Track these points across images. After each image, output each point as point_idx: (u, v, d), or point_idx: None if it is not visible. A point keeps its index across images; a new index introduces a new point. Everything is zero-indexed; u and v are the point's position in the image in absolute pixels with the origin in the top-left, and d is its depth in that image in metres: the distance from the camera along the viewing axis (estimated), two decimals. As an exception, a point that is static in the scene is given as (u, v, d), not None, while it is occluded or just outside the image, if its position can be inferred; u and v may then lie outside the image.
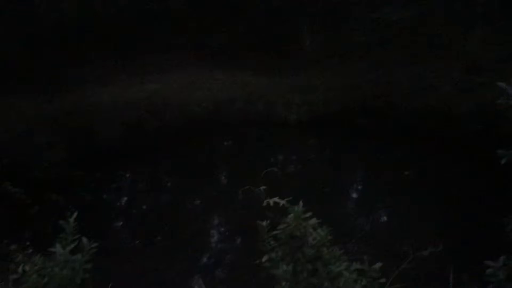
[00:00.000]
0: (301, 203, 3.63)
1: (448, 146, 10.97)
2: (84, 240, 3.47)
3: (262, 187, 3.77)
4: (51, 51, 13.07)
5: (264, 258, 3.57)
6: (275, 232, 3.58)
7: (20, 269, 3.31)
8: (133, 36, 14.87)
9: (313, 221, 3.57)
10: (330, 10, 15.36)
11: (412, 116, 12.55)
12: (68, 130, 11.38)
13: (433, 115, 12.25)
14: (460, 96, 12.10)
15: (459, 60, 12.91)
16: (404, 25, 13.95)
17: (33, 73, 12.26)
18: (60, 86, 12.55)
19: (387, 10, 13.88)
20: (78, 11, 13.60)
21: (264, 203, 3.82)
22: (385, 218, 9.38)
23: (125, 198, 10.61)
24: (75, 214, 3.48)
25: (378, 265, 3.54)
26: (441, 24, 13.66)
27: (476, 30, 13.16)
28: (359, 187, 11.34)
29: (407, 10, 13.71)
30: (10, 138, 10.26)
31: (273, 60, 15.39)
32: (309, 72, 14.78)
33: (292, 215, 3.50)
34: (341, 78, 14.28)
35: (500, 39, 12.83)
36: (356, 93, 13.73)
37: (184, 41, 15.77)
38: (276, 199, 3.82)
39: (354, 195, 10.85)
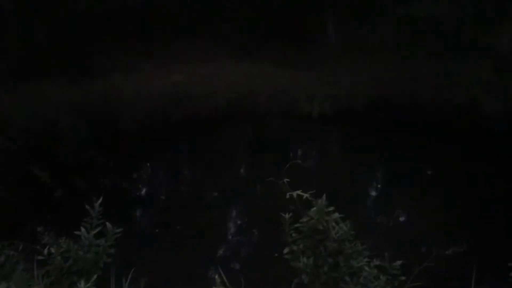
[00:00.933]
0: (324, 196, 3.61)
1: (473, 146, 10.81)
2: (108, 225, 3.52)
3: (286, 179, 3.74)
4: (80, 39, 13.23)
5: (285, 250, 3.57)
6: (297, 225, 3.57)
7: (45, 251, 3.37)
8: (159, 25, 14.94)
9: (336, 215, 3.56)
10: (357, 3, 15.19)
11: (437, 113, 12.41)
12: (94, 117, 11.52)
13: (459, 113, 12.09)
14: (487, 95, 11.89)
15: (488, 59, 12.67)
16: (433, 21, 13.73)
17: (62, 60, 12.42)
18: (87, 73, 12.69)
19: (415, 6, 13.66)
20: (106, 4, 13.70)
21: (287, 196, 3.80)
22: (407, 216, 9.30)
23: (147, 186, 10.72)
24: (100, 199, 3.53)
25: (398, 262, 3.52)
26: (470, 22, 13.41)
27: (505, 29, 12.88)
28: (382, 184, 11.25)
29: (436, 7, 13.50)
30: (37, 122, 10.42)
31: (298, 53, 15.31)
32: (333, 65, 14.67)
33: (315, 208, 3.49)
34: (366, 73, 14.14)
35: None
36: (380, 88, 13.60)
37: (209, 32, 15.79)
38: (299, 192, 3.79)
39: (376, 192, 10.78)
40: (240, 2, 15.97)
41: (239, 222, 9.05)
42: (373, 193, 10.63)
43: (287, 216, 3.54)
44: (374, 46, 14.68)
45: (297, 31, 15.73)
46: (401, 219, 9.16)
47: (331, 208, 3.53)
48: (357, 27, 15.30)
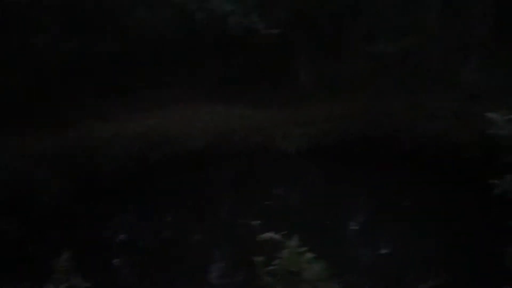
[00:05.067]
0: (296, 237, 3.61)
1: (448, 176, 10.95)
2: (77, 279, 3.43)
3: (257, 221, 3.74)
4: (52, 88, 13.21)
5: (260, 294, 3.52)
6: (271, 268, 3.54)
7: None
8: (132, 72, 15.02)
9: (309, 255, 3.54)
10: (326, 43, 15.55)
11: (412, 146, 12.57)
12: (68, 165, 11.39)
13: (433, 144, 12.26)
14: (459, 125, 12.13)
15: (458, 90, 12.99)
16: (401, 56, 14.09)
17: (35, 110, 12.35)
18: (61, 122, 12.62)
19: (383, 42, 14.04)
20: (79, 51, 13.76)
21: (260, 238, 3.78)
22: (385, 250, 9.29)
23: (124, 234, 10.54)
24: (67, 254, 3.46)
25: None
26: (438, 55, 13.80)
27: (473, 60, 13.28)
28: (359, 219, 11.28)
29: (403, 42, 13.89)
30: (11, 174, 10.26)
31: (271, 93, 15.51)
32: (306, 103, 14.88)
33: (287, 250, 3.47)
34: (339, 109, 14.35)
35: (497, 68, 12.93)
36: (354, 124, 13.78)
37: (183, 75, 15.93)
38: (271, 233, 3.79)
39: (354, 227, 10.78)
40: (212, 44, 16.20)
41: (215, 266, 8.92)
42: (352, 229, 10.64)
43: (260, 259, 3.52)
44: (345, 83, 14.96)
45: (269, 71, 15.96)
46: (380, 253, 9.15)
47: (304, 249, 3.52)
48: (328, 65, 15.60)
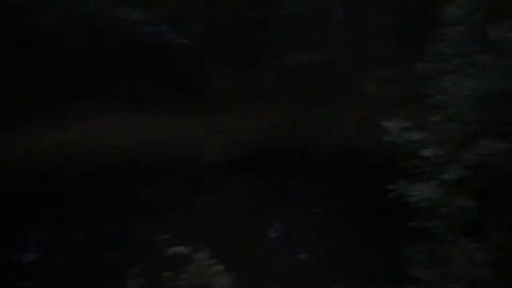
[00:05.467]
0: (205, 250, 3.71)
1: (352, 182, 11.59)
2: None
3: (167, 235, 3.81)
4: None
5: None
6: (180, 282, 3.63)
7: None
8: (53, 83, 14.45)
9: (217, 268, 3.67)
10: (240, 54, 15.85)
11: (319, 155, 13.14)
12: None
13: (338, 153, 12.90)
14: (361, 134, 12.86)
15: (360, 101, 13.77)
16: (309, 69, 14.71)
17: None
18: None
19: (292, 55, 14.60)
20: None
21: (169, 253, 3.86)
22: (299, 256, 9.63)
23: (33, 253, 10.10)
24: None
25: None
26: (342, 68, 14.56)
27: (374, 73, 14.14)
28: (275, 227, 11.54)
29: (311, 55, 14.52)
30: None
31: (188, 104, 15.53)
32: (222, 114, 15.08)
33: (195, 263, 3.57)
34: (253, 120, 14.70)
35: (397, 80, 13.84)
36: (268, 134, 14.17)
37: (105, 86, 15.54)
38: (180, 247, 3.87)
39: (272, 235, 11.05)
40: (132, 56, 15.93)
41: (128, 283, 8.79)
42: (267, 237, 10.89)
43: (167, 274, 3.59)
44: (259, 95, 15.33)
45: (187, 82, 15.99)
46: (294, 260, 9.47)
47: (212, 261, 3.64)
48: (242, 77, 15.90)
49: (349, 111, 13.85)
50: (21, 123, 13.36)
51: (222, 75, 15.94)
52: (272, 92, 15.11)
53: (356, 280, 8.21)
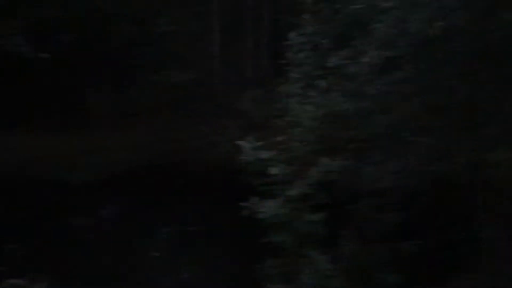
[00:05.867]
0: (44, 282, 3.62)
1: (224, 199, 11.81)
2: None
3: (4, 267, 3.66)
4: None
5: None
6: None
7: None
8: None
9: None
10: (117, 71, 15.66)
11: (197, 172, 13.29)
12: None
13: (214, 170, 13.13)
14: (235, 152, 13.19)
15: (235, 119, 14.17)
16: (186, 87, 14.89)
17: None
18: None
19: (168, 73, 14.70)
20: None
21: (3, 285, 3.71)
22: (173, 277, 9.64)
23: None
24: None
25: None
26: (219, 86, 14.91)
27: (248, 92, 14.64)
28: (156, 249, 11.34)
29: (187, 74, 14.71)
30: None
31: (60, 121, 15.02)
32: (97, 132, 14.76)
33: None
34: (130, 138, 14.55)
35: (269, 99, 14.40)
36: (144, 152, 14.09)
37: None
38: (15, 280, 3.74)
39: (152, 257, 10.87)
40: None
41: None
42: (140, 261, 10.69)
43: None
44: (136, 112, 15.23)
45: (61, 99, 15.43)
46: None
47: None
48: (118, 95, 15.70)
49: (225, 128, 14.18)
50: None
51: (99, 91, 15.62)
52: (149, 109, 15.08)
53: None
